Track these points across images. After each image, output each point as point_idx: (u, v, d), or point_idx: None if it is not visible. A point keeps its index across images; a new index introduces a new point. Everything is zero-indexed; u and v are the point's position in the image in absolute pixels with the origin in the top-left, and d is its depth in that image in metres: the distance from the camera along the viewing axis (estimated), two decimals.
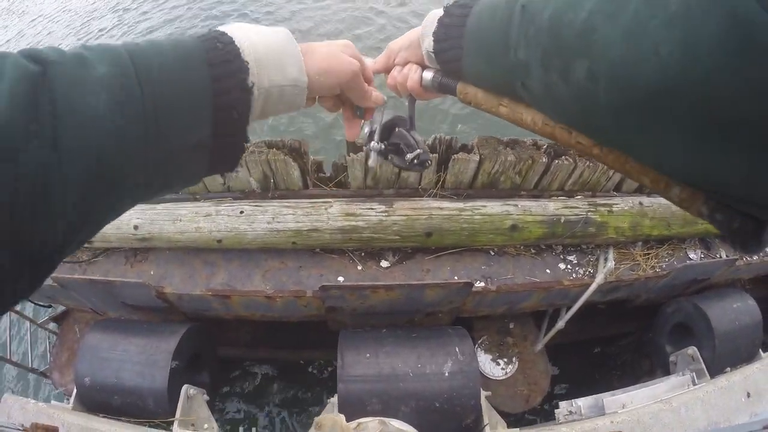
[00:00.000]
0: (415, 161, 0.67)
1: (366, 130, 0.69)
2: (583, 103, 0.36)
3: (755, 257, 3.05)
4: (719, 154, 0.28)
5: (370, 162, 0.69)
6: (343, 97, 0.62)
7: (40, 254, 0.33)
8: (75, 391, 2.24)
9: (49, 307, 3.29)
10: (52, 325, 3.19)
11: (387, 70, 0.68)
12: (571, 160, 1.97)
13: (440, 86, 0.61)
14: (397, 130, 0.68)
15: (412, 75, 0.63)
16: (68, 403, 2.30)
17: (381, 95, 0.64)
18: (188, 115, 0.40)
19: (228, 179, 2.14)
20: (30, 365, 3.11)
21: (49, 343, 3.32)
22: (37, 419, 2.02)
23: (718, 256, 2.77)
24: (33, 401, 2.15)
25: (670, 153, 0.32)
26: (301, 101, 0.52)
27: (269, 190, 2.05)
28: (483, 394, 1.89)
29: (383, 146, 0.67)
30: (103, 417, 2.18)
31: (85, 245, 2.50)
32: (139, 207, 2.35)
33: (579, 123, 0.41)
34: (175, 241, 2.27)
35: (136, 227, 2.34)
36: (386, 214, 1.83)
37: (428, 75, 0.62)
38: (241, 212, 2.06)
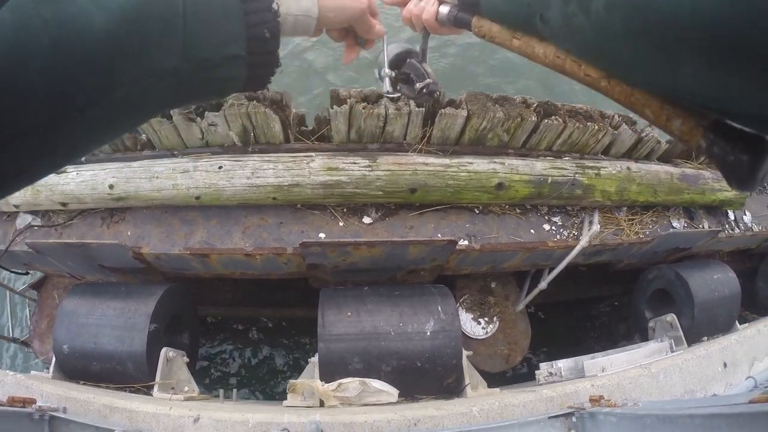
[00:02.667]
0: (425, 90, 0.71)
1: (378, 73, 0.73)
2: (601, 31, 0.38)
3: (737, 230, 3.10)
4: (734, 73, 0.29)
5: (384, 89, 0.73)
6: (349, 28, 0.66)
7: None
8: (54, 359, 2.19)
9: (27, 274, 3.20)
10: (31, 293, 3.11)
11: (403, 4, 0.72)
12: (560, 120, 1.93)
13: (456, 20, 0.64)
14: (408, 61, 0.72)
15: (429, 8, 0.67)
16: (48, 373, 2.24)
17: (382, 28, 0.69)
18: (222, 30, 0.43)
19: (206, 133, 2.06)
20: (11, 335, 3.04)
21: (29, 311, 3.24)
22: (15, 392, 1.96)
23: (701, 226, 2.80)
24: (11, 373, 2.09)
25: (685, 74, 0.33)
26: (309, 31, 0.57)
27: (249, 144, 1.97)
28: (464, 353, 1.89)
29: (394, 74, 0.71)
30: (83, 384, 2.14)
31: (60, 207, 2.40)
32: (114, 165, 2.26)
33: (594, 52, 0.44)
34: (151, 199, 2.19)
35: (111, 186, 2.25)
36: (370, 168, 1.77)
37: (444, 9, 0.65)
38: (220, 167, 1.98)
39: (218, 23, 0.42)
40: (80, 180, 2.32)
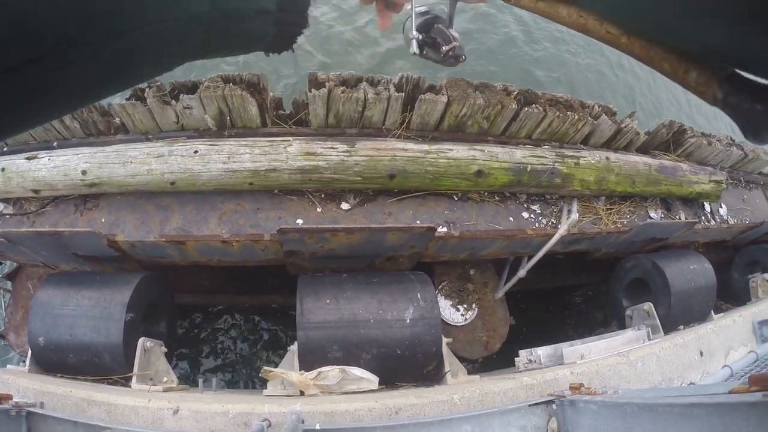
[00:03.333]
0: (450, 53, 0.73)
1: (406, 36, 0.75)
2: None
3: (713, 222, 3.17)
4: (757, 29, 0.31)
5: (411, 50, 0.75)
6: None
7: None
8: (30, 352, 2.13)
9: (0, 264, 3.10)
10: (5, 283, 3.01)
11: None
12: (540, 108, 1.93)
13: None
14: (435, 26, 0.74)
15: None
16: (24, 366, 2.18)
17: None
18: None
19: (182, 117, 2.00)
20: None
21: (4, 302, 3.15)
22: None
23: (678, 217, 2.85)
24: None
25: (709, 28, 0.35)
26: None
27: (225, 128, 1.93)
28: (444, 340, 1.89)
29: (421, 37, 0.73)
30: (60, 377, 2.09)
31: (32, 195, 2.32)
32: (86, 150, 2.19)
33: (620, 12, 0.45)
34: (126, 185, 2.13)
35: (84, 172, 2.18)
36: (348, 154, 1.75)
37: None
38: (196, 152, 1.93)
39: None
40: (52, 166, 2.25)
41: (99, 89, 0.36)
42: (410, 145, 1.78)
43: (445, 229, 1.83)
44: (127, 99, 2.11)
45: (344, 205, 1.80)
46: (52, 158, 2.25)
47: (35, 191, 2.33)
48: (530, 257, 2.06)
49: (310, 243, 1.81)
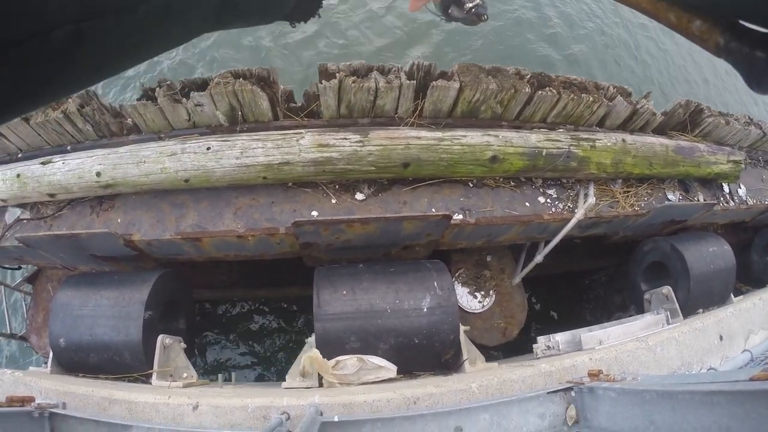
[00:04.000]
0: (473, 10, 0.77)
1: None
2: None
3: (732, 203, 3.10)
4: None
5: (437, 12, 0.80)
6: None
7: None
8: (51, 353, 2.17)
9: (19, 268, 3.16)
10: (26, 287, 3.08)
11: None
12: (554, 91, 1.89)
13: None
14: None
15: None
16: (46, 367, 2.22)
17: None
18: None
19: (193, 114, 2.01)
20: (8, 331, 3.01)
21: (26, 305, 3.22)
22: (14, 390, 1.94)
23: (696, 199, 2.79)
24: (9, 371, 2.07)
25: None
26: None
27: (237, 123, 1.93)
28: (462, 328, 1.88)
29: None
30: (82, 377, 2.13)
31: (48, 199, 2.36)
32: (100, 152, 2.21)
33: None
34: (140, 184, 2.15)
35: (98, 174, 2.21)
36: (361, 144, 1.74)
37: None
38: (208, 149, 1.94)
39: None
40: (67, 169, 2.28)
41: (117, 61, 0.35)
42: (423, 133, 1.76)
43: (460, 217, 1.82)
44: (138, 99, 2.12)
45: (359, 196, 1.80)
46: (67, 162, 2.27)
47: (51, 195, 2.36)
48: (547, 242, 2.03)
49: (326, 235, 1.80)
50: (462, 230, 1.84)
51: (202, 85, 1.96)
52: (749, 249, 3.72)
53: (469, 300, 2.04)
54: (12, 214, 2.52)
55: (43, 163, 2.35)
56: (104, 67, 0.33)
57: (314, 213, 1.80)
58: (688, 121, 2.56)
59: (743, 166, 2.97)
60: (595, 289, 3.16)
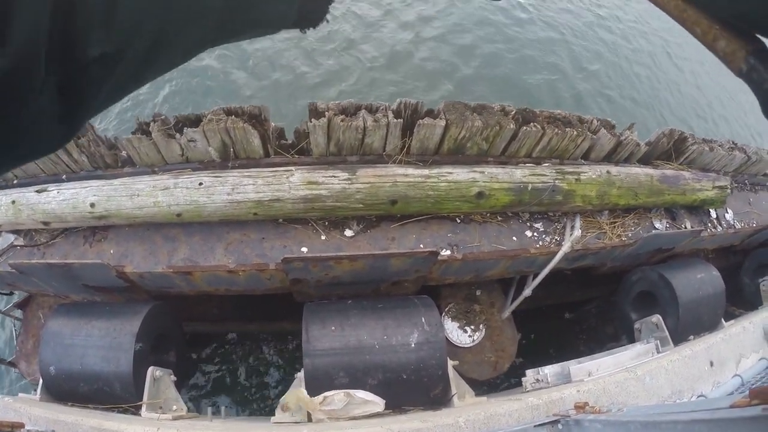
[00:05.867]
0: None
1: None
2: None
3: (719, 228, 3.14)
4: None
5: None
6: None
7: None
8: (41, 381, 2.17)
9: (11, 294, 3.15)
10: (16, 312, 3.07)
11: None
12: (539, 126, 1.94)
13: None
14: None
15: None
16: (36, 394, 2.22)
17: None
18: None
19: (186, 149, 2.05)
20: None
21: (15, 331, 3.21)
22: (3, 415, 1.93)
23: (683, 226, 2.83)
24: None
25: None
26: None
27: (229, 159, 1.96)
28: (450, 363, 1.89)
29: None
30: (71, 406, 2.12)
31: (42, 227, 2.38)
32: (94, 183, 2.24)
33: None
34: (133, 217, 2.17)
35: (92, 205, 2.23)
36: (349, 181, 1.77)
37: None
38: (200, 184, 1.97)
39: None
40: (61, 199, 2.30)
41: (127, 86, 0.34)
42: (411, 171, 1.80)
43: (448, 252, 1.84)
44: (133, 133, 2.16)
45: (348, 232, 1.82)
46: (62, 191, 2.30)
47: (45, 223, 2.38)
48: (535, 276, 2.05)
49: (315, 271, 1.82)
50: (450, 266, 1.87)
51: (196, 121, 2.00)
52: (740, 272, 3.75)
53: (460, 334, 2.05)
54: (5, 240, 2.54)
55: (38, 191, 2.38)
56: (97, 107, 0.34)
57: (304, 249, 1.82)
58: (672, 149, 2.61)
59: (729, 190, 3.02)
60: (588, 319, 3.17)
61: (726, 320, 3.05)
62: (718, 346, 2.61)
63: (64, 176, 2.46)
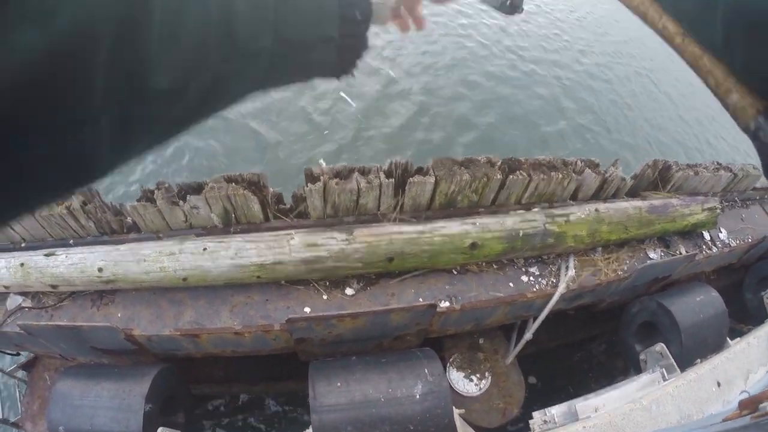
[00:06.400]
0: (508, 3, 0.77)
1: None
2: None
3: (714, 249, 3.18)
4: None
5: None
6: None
7: None
8: None
9: (17, 355, 3.19)
10: (21, 374, 3.09)
11: None
12: (525, 174, 2.03)
13: None
14: None
15: None
16: None
17: None
18: (316, 10, 0.42)
19: (189, 216, 2.13)
20: (1, 416, 3.00)
21: (19, 392, 3.22)
22: None
23: (678, 252, 2.88)
24: None
25: (762, 56, 0.36)
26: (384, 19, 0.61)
27: (231, 224, 2.05)
28: (456, 412, 1.91)
29: None
30: None
31: (50, 289, 2.44)
32: (102, 248, 2.32)
33: (686, 13, 0.45)
34: (140, 281, 2.24)
35: (100, 269, 2.30)
36: (347, 242, 1.85)
37: None
38: (205, 249, 2.04)
39: (311, 2, 0.41)
40: (69, 263, 2.38)
41: (182, 124, 0.35)
42: (405, 227, 1.87)
43: (447, 304, 1.90)
44: (138, 200, 2.25)
45: (348, 291, 1.88)
46: (70, 255, 2.38)
47: (53, 286, 2.45)
48: (535, 318, 2.10)
49: (319, 330, 1.87)
50: (449, 317, 1.92)
51: (198, 189, 2.09)
52: (742, 288, 3.77)
53: (466, 384, 2.07)
54: (14, 301, 2.59)
55: (46, 255, 2.45)
56: (151, 143, 0.34)
57: (307, 309, 1.88)
58: (658, 179, 2.69)
59: (719, 210, 3.08)
60: (596, 356, 3.17)
61: (732, 339, 3.05)
62: (723, 365, 2.61)
63: (71, 241, 2.54)
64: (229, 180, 2.01)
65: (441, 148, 4.86)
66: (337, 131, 4.92)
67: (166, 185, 2.18)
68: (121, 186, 4.66)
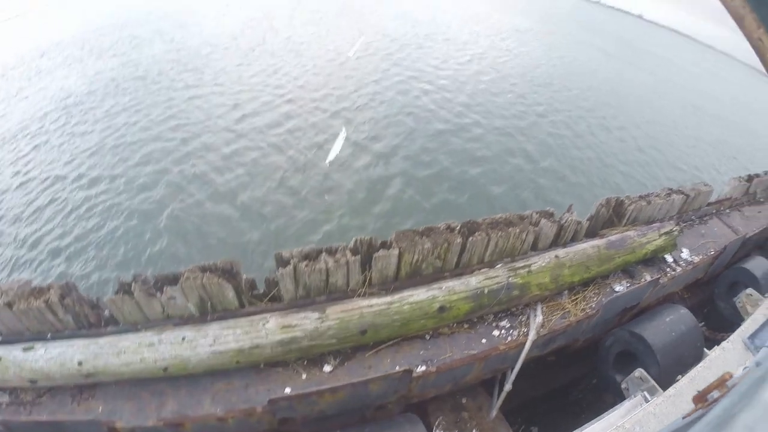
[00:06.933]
0: None
1: None
2: None
3: (678, 269, 3.34)
4: None
5: None
6: None
7: None
8: None
9: None
10: None
11: None
12: (484, 234, 2.16)
13: None
14: None
15: None
16: None
17: None
18: None
19: (166, 307, 2.18)
20: None
21: None
22: None
23: (642, 280, 3.03)
24: None
25: None
26: None
27: (207, 312, 2.10)
28: None
29: None
30: None
31: (29, 385, 2.42)
32: (80, 341, 2.33)
33: None
34: (120, 373, 2.25)
35: (80, 363, 2.31)
36: (321, 320, 1.92)
37: None
38: (183, 338, 2.09)
39: None
40: (48, 357, 2.37)
41: None
42: (374, 300, 1.96)
43: (423, 368, 1.96)
44: (116, 293, 2.29)
45: (326, 368, 1.94)
46: (48, 349, 2.37)
47: (32, 381, 2.42)
48: (512, 369, 2.17)
49: (300, 408, 1.91)
50: (427, 380, 1.98)
51: (174, 279, 2.16)
52: (714, 300, 3.93)
53: None
54: None
55: (25, 349, 2.44)
56: None
57: (287, 389, 1.92)
58: (613, 216, 2.87)
59: (676, 233, 3.26)
60: (585, 396, 3.23)
61: (710, 349, 3.16)
62: (701, 375, 2.69)
63: (48, 335, 2.54)
64: (203, 269, 2.08)
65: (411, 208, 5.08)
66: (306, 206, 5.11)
67: (143, 277, 2.24)
68: (95, 273, 4.68)
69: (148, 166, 6.64)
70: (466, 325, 2.11)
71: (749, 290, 3.86)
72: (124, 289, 2.28)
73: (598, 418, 2.54)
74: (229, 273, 2.02)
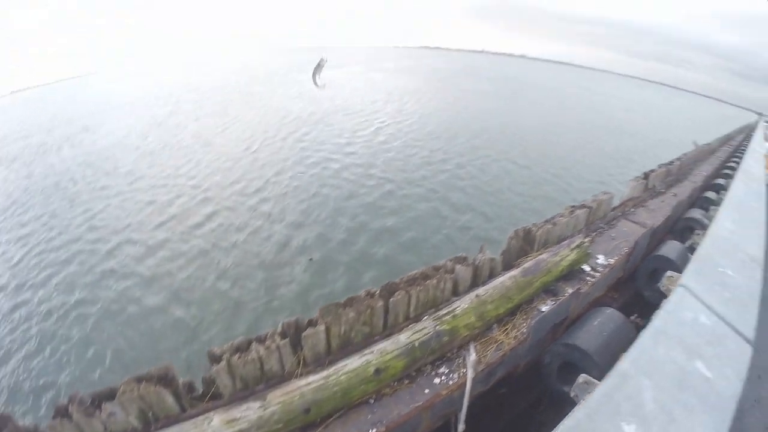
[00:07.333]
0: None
1: None
2: None
3: (597, 275, 3.71)
4: None
5: None
6: None
7: None
8: None
9: None
10: None
11: None
12: (403, 292, 2.37)
13: None
14: None
15: None
16: None
17: None
18: None
19: (108, 424, 2.16)
20: None
21: None
22: None
23: (565, 295, 3.35)
24: None
25: None
26: None
27: (150, 422, 2.11)
28: None
29: None
30: None
31: None
32: None
33: None
34: None
35: None
36: (263, 408, 2.00)
37: None
38: None
39: None
40: None
41: None
42: (312, 377, 2.08)
43: (373, 430, 2.07)
44: (54, 417, 2.23)
45: None
46: None
47: None
48: (461, 410, 2.32)
49: None
50: None
51: (111, 394, 2.15)
52: (639, 292, 4.34)
53: None
54: None
55: None
56: None
57: None
58: (525, 244, 3.20)
59: (587, 243, 3.65)
60: (548, 413, 3.39)
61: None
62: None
63: None
64: (138, 380, 2.11)
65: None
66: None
67: (79, 396, 2.21)
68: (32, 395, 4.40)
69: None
70: (406, 381, 2.26)
71: (669, 273, 4.26)
72: (61, 413, 2.24)
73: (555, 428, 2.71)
74: (164, 379, 2.06)
